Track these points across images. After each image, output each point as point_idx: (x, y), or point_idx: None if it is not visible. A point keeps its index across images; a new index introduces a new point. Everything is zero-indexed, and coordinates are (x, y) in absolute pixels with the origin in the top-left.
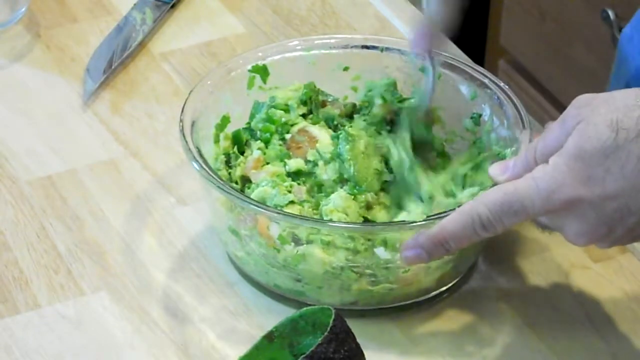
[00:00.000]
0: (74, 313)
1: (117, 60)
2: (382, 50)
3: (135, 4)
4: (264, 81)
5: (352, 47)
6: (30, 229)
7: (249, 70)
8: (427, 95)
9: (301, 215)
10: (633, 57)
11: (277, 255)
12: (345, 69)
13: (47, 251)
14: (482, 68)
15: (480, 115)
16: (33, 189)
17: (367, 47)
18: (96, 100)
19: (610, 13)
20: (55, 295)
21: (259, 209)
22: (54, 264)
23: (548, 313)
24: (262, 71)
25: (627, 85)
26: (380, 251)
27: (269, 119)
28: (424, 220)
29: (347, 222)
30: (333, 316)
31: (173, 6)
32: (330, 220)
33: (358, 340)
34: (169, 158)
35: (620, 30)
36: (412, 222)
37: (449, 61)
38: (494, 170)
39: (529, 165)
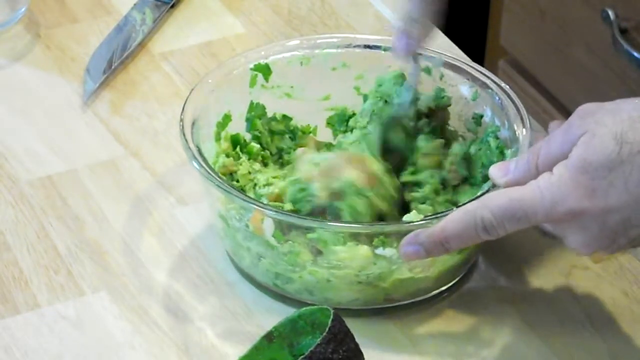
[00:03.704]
0: (74, 313)
1: (117, 60)
2: (384, 50)
3: (135, 4)
4: (266, 79)
5: (354, 46)
6: (30, 229)
7: (251, 69)
8: (407, 100)
9: (302, 216)
10: None
11: (272, 252)
12: (344, 65)
13: (47, 251)
14: (483, 68)
15: (481, 116)
16: (33, 189)
17: (369, 47)
18: (96, 100)
19: (610, 13)
20: (55, 296)
21: (259, 208)
22: (54, 264)
23: (548, 313)
24: (265, 70)
25: None
26: (379, 251)
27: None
28: (422, 221)
29: (344, 222)
30: (332, 316)
31: (173, 6)
32: (328, 221)
33: (357, 340)
34: (169, 158)
35: (620, 30)
36: (409, 222)
37: (451, 61)
38: (495, 172)
39: (530, 170)
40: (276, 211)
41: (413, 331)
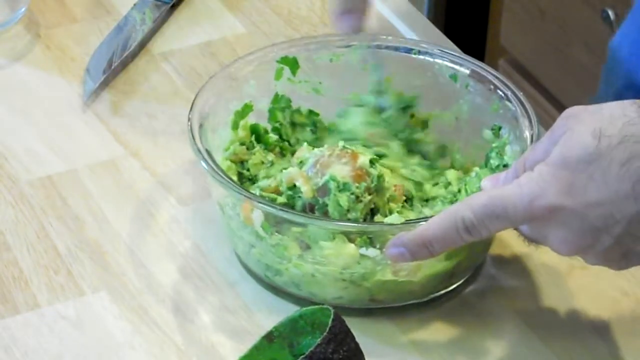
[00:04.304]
0: (74, 313)
1: (117, 60)
2: (415, 53)
3: (135, 4)
4: (294, 73)
5: (385, 47)
6: (30, 229)
7: (277, 61)
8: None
9: (285, 209)
10: (622, 63)
11: (261, 242)
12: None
13: (47, 251)
14: (506, 79)
15: (500, 128)
16: (33, 189)
17: (399, 49)
18: (96, 100)
19: (610, 13)
20: (55, 295)
21: (247, 197)
22: (54, 264)
23: (548, 313)
24: (292, 63)
25: (619, 91)
26: (363, 250)
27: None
28: (404, 223)
29: (324, 219)
30: (332, 316)
31: (173, 6)
32: (309, 216)
33: (358, 340)
34: (169, 158)
35: None
36: (390, 224)
37: (477, 70)
38: (486, 183)
39: (518, 176)
40: (261, 202)
41: (414, 332)
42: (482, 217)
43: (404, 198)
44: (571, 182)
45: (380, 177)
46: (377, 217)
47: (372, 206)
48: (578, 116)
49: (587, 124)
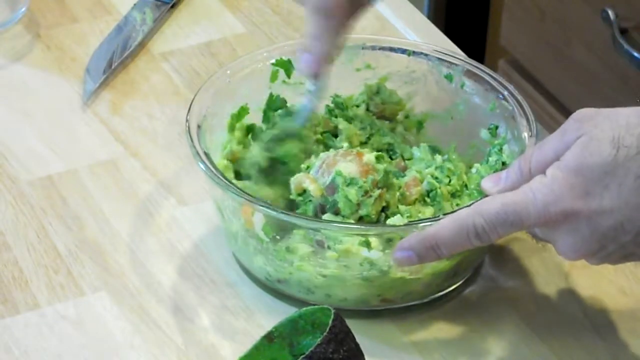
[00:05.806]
0: (74, 313)
1: (117, 60)
2: (409, 54)
3: (135, 4)
4: (288, 75)
5: (379, 49)
6: (30, 229)
7: (272, 64)
8: (302, 119)
9: (285, 212)
10: None
11: (262, 246)
12: (367, 67)
13: (47, 251)
14: (502, 78)
15: (497, 127)
16: (33, 189)
17: (394, 50)
18: (96, 100)
19: (610, 13)
20: (55, 295)
21: (247, 200)
22: (54, 264)
23: (548, 313)
24: (287, 65)
25: None
26: (365, 252)
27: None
28: (405, 225)
29: (337, 222)
30: (332, 316)
31: (173, 6)
32: (321, 220)
33: (358, 340)
34: (169, 158)
35: (620, 30)
36: (392, 225)
37: (472, 70)
38: (487, 183)
39: (524, 176)
40: (262, 205)
41: (414, 332)
42: (494, 224)
43: (425, 192)
44: (586, 189)
45: (388, 172)
46: (389, 217)
47: (384, 204)
48: (593, 120)
49: (605, 131)
